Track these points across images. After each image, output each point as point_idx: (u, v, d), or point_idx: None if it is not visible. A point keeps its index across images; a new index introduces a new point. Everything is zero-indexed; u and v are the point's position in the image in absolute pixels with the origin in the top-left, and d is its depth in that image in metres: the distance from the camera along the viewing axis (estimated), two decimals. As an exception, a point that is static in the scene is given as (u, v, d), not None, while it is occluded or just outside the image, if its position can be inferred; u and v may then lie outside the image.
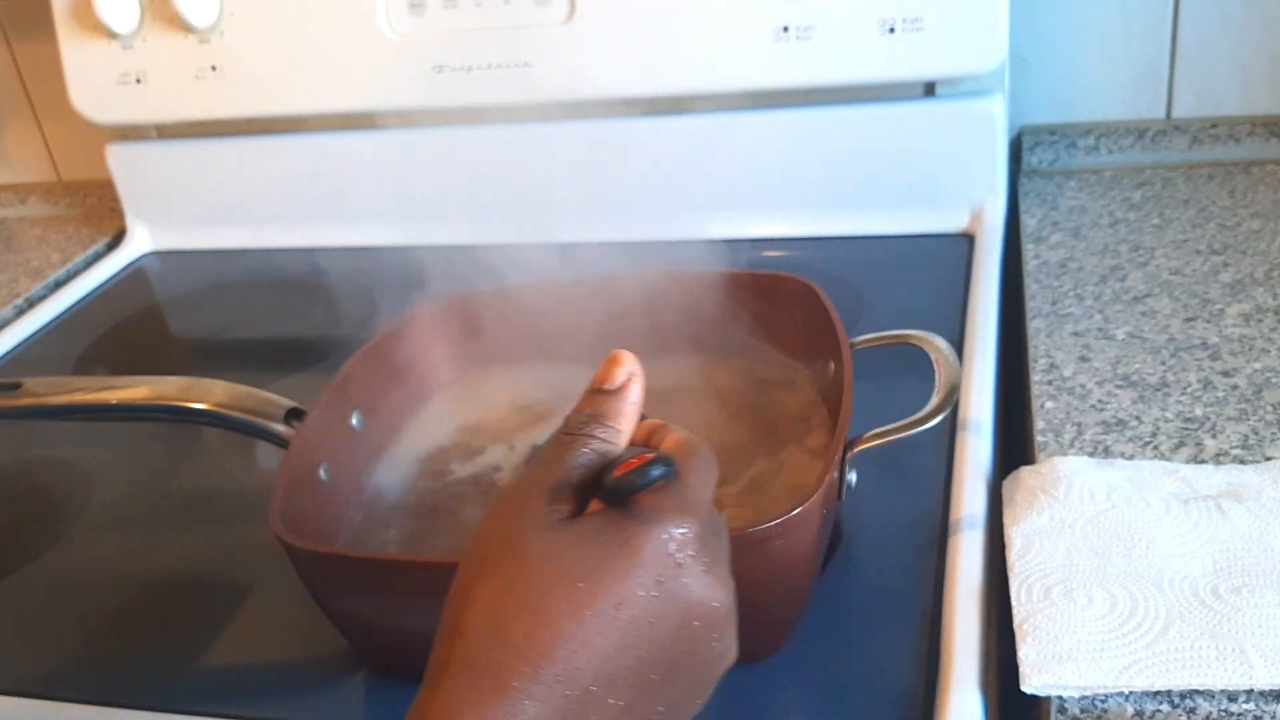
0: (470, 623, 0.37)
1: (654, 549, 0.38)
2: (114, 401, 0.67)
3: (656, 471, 0.39)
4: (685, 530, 0.38)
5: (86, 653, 0.63)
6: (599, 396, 0.43)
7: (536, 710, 0.35)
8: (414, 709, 0.37)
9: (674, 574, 0.38)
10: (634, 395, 0.43)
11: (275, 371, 0.85)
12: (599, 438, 0.41)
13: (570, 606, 0.36)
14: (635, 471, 0.39)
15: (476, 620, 0.37)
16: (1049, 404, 0.68)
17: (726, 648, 0.40)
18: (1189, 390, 0.67)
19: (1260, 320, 0.74)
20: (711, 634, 0.39)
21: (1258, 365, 0.69)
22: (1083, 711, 0.49)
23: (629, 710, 0.37)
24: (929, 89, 0.91)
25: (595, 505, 0.40)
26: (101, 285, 1.06)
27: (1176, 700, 0.48)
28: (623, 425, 0.42)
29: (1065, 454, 0.63)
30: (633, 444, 0.43)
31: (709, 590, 0.39)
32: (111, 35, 0.99)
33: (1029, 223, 0.91)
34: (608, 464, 0.40)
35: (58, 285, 1.08)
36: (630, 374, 0.43)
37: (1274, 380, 0.67)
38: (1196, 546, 0.55)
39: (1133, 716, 0.48)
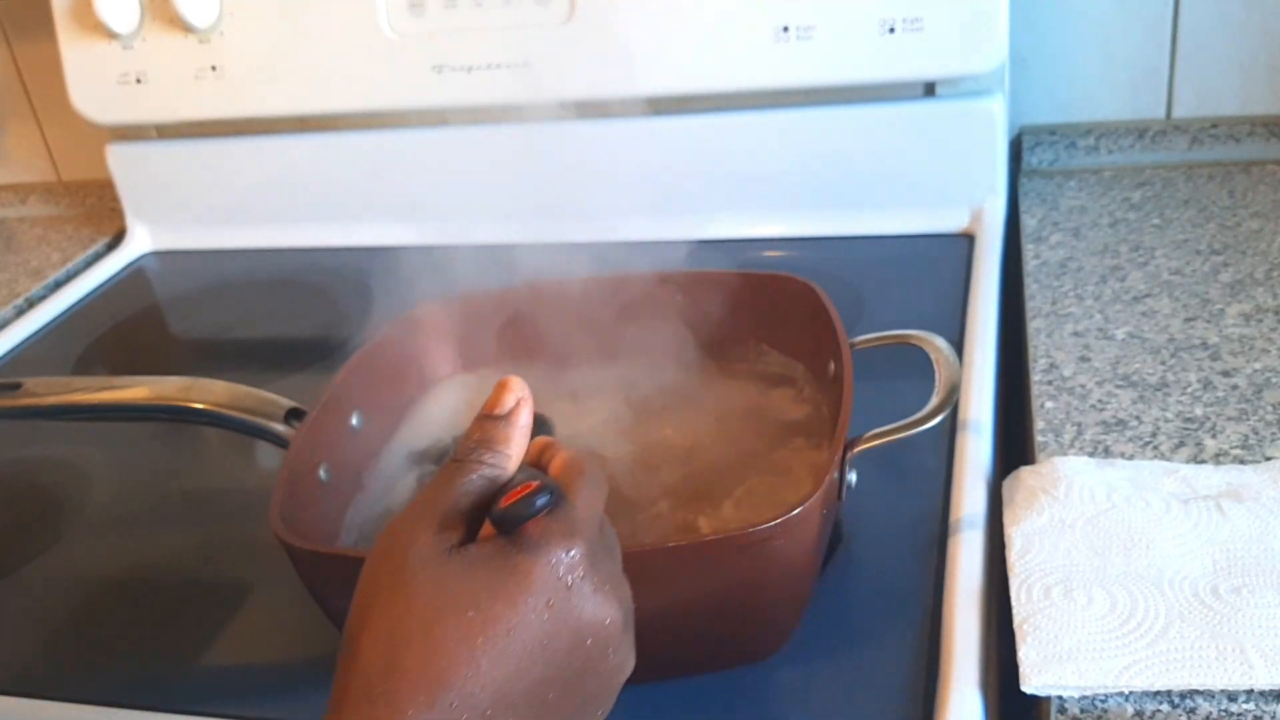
0: (365, 652, 0.37)
1: (542, 574, 0.39)
2: (114, 401, 0.67)
3: (541, 500, 0.40)
4: (573, 553, 0.39)
5: (86, 653, 0.63)
6: (488, 423, 0.43)
7: None
8: None
9: (564, 597, 0.39)
10: (523, 419, 0.44)
11: (275, 371, 0.85)
12: (487, 463, 0.42)
13: (462, 634, 0.37)
14: (520, 502, 0.40)
15: (371, 649, 0.37)
16: (1049, 404, 0.68)
17: (623, 659, 0.42)
18: (1189, 390, 0.67)
19: (1260, 320, 0.73)
20: (607, 649, 0.40)
21: (1258, 365, 0.69)
22: (1083, 711, 0.49)
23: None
24: (929, 89, 0.91)
25: (488, 529, 0.41)
26: (101, 285, 1.06)
27: (1176, 700, 0.48)
28: (511, 450, 0.43)
29: (1065, 454, 0.63)
30: (524, 465, 0.44)
31: (600, 609, 0.40)
32: (111, 35, 0.99)
33: (1029, 223, 0.91)
34: (497, 490, 0.41)
35: (58, 285, 1.08)
36: (519, 399, 0.44)
37: (1274, 380, 0.67)
38: (1196, 546, 0.55)
39: (1133, 716, 0.48)
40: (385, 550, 0.40)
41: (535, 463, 0.45)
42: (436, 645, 0.37)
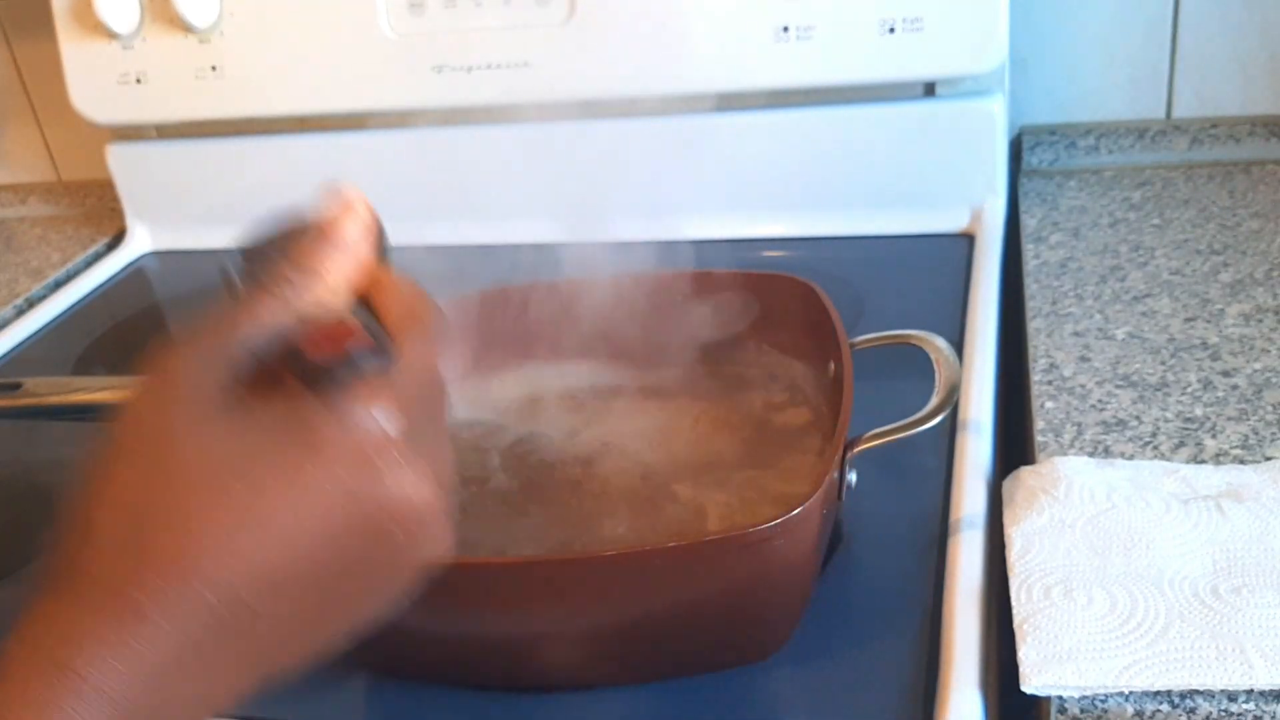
0: (100, 526, 0.30)
1: (345, 450, 0.31)
2: (114, 401, 0.67)
3: (368, 360, 0.31)
4: (389, 428, 0.32)
5: (86, 653, 0.62)
6: (304, 237, 0.35)
7: (177, 632, 0.29)
8: (25, 625, 0.29)
9: (370, 481, 0.31)
10: (349, 236, 0.35)
11: (275, 371, 0.85)
12: (295, 291, 0.33)
13: (223, 513, 0.30)
14: (342, 358, 0.31)
15: (107, 524, 0.30)
16: (1049, 404, 0.68)
17: (434, 541, 0.34)
18: (1189, 390, 0.67)
19: (1260, 320, 0.73)
20: (417, 540, 0.33)
21: (1258, 365, 0.69)
22: (1083, 711, 0.49)
23: (298, 617, 0.32)
24: (929, 89, 0.91)
25: (286, 379, 0.32)
26: (101, 285, 1.06)
27: (1176, 700, 0.48)
28: (330, 277, 0.34)
29: (1065, 454, 0.63)
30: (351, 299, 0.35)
31: (415, 495, 0.33)
32: (111, 35, 0.99)
33: (1029, 223, 0.91)
34: (306, 329, 0.32)
35: (58, 285, 1.08)
36: (346, 204, 0.35)
37: (1274, 380, 0.67)
38: (1196, 546, 0.55)
39: (1133, 716, 0.48)
40: (143, 397, 0.32)
41: (363, 297, 0.36)
42: (188, 525, 0.30)
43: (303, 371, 0.31)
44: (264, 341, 0.32)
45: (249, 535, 0.30)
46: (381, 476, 0.32)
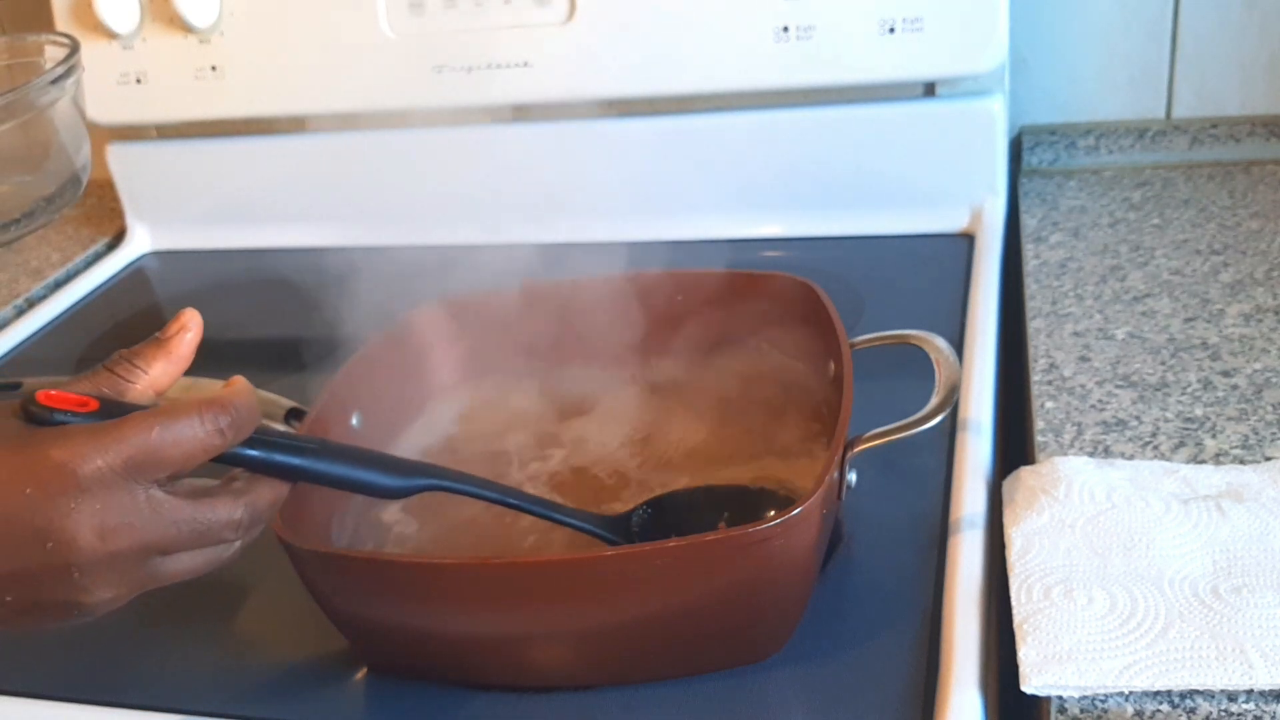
0: None
1: (31, 464, 0.41)
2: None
3: (61, 416, 0.43)
4: (72, 467, 0.41)
5: (87, 653, 0.62)
6: (148, 342, 0.48)
7: None
8: None
9: (41, 495, 0.41)
10: (180, 350, 0.48)
11: (275, 371, 0.85)
12: (119, 373, 0.46)
13: None
14: (47, 408, 0.43)
15: None
16: (1049, 404, 0.68)
17: (88, 588, 0.43)
18: (1189, 390, 0.67)
19: (1260, 320, 0.73)
20: (69, 566, 0.42)
21: (1258, 365, 0.69)
22: (1083, 711, 0.49)
23: None
24: (929, 89, 0.91)
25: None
26: (101, 285, 1.06)
27: (1176, 700, 0.48)
28: (152, 370, 0.47)
29: (1065, 454, 0.63)
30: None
31: (73, 526, 0.41)
32: (111, 35, 0.99)
33: (1029, 223, 0.91)
34: (52, 388, 0.44)
35: (58, 285, 1.08)
36: (181, 327, 0.48)
37: (1274, 380, 0.67)
38: (1196, 546, 0.55)
39: (1133, 716, 0.48)
40: None
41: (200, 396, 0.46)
42: None
43: (23, 408, 0.44)
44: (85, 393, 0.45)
45: None
46: (50, 497, 0.41)
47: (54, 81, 0.69)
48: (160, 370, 0.47)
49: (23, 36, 0.77)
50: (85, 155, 0.75)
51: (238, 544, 0.48)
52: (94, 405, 0.44)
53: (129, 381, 0.46)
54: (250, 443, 0.47)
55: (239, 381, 0.47)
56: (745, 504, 0.60)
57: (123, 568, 0.43)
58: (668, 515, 0.60)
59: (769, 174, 0.95)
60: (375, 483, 0.51)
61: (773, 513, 0.54)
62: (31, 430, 0.43)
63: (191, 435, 0.44)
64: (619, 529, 0.59)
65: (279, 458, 0.48)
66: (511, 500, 0.56)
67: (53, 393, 0.44)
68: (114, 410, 0.44)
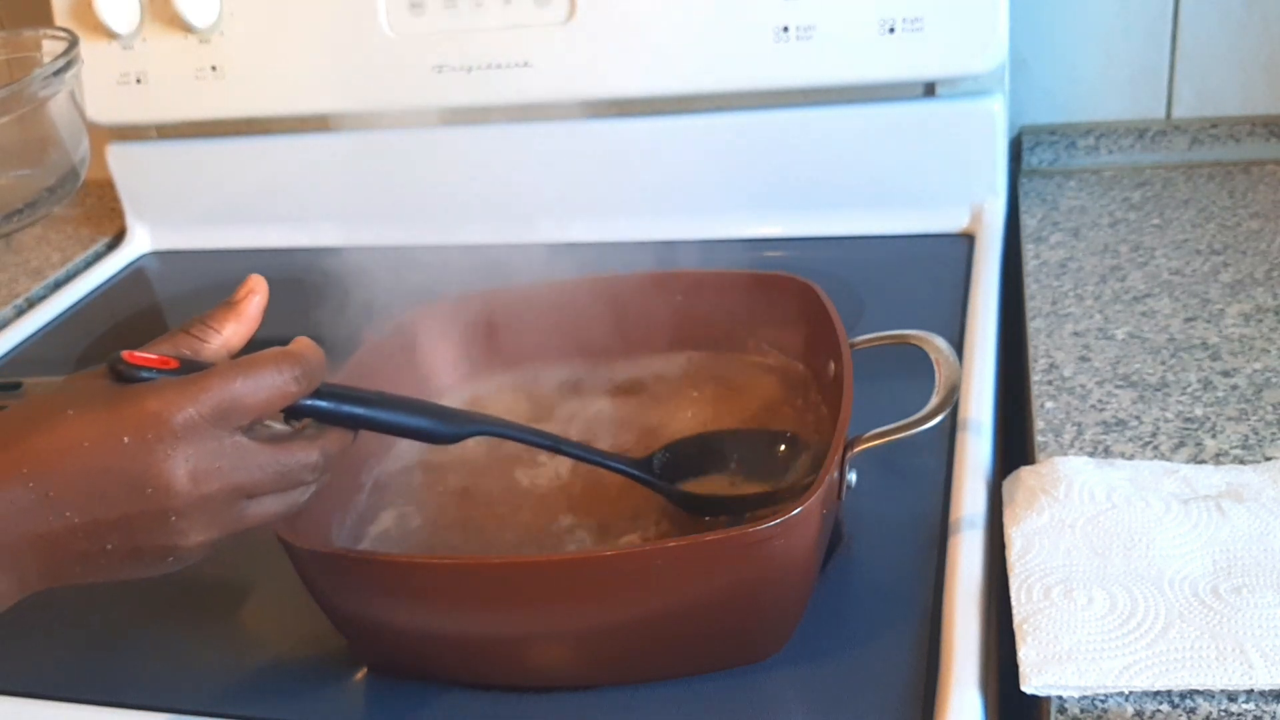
0: None
1: (128, 416, 0.45)
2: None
3: (145, 373, 0.46)
4: (164, 415, 0.45)
5: (86, 653, 0.63)
6: (218, 306, 0.51)
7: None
8: None
9: (139, 443, 0.44)
10: (249, 310, 0.52)
11: (275, 371, 0.85)
12: (194, 334, 0.50)
13: (48, 436, 0.44)
14: (134, 365, 0.47)
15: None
16: (1049, 404, 0.68)
17: (184, 533, 0.46)
18: (1189, 390, 0.67)
19: (1260, 320, 0.74)
20: (167, 511, 0.45)
21: (1258, 365, 0.69)
22: (1083, 711, 0.49)
23: (83, 533, 0.45)
24: (929, 89, 0.91)
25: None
26: (101, 285, 1.06)
27: (1176, 700, 0.48)
28: (224, 330, 0.50)
29: (1065, 454, 0.63)
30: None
31: (169, 471, 0.45)
32: (111, 35, 0.99)
33: (1029, 223, 0.91)
34: (136, 351, 0.48)
35: (58, 285, 1.08)
36: (249, 291, 0.52)
37: (1274, 380, 0.67)
38: (1196, 546, 0.55)
39: (1133, 716, 0.48)
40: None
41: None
42: (28, 429, 0.45)
43: (110, 366, 0.47)
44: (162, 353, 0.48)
45: (58, 451, 0.44)
46: (148, 444, 0.45)
47: (53, 75, 0.69)
48: (232, 331, 0.51)
49: (20, 31, 0.77)
50: (84, 149, 0.75)
51: (311, 488, 0.51)
52: (175, 364, 0.47)
53: (204, 342, 0.49)
54: (319, 395, 0.50)
55: (305, 339, 0.51)
56: (758, 447, 0.63)
57: (214, 510, 0.46)
58: (684, 459, 0.63)
59: (769, 174, 0.95)
60: (431, 429, 0.54)
61: (773, 512, 0.54)
62: (122, 387, 0.46)
63: (270, 384, 0.47)
64: (646, 471, 0.62)
65: (346, 408, 0.51)
66: (547, 442, 0.60)
67: (137, 354, 0.47)
68: (193, 368, 0.47)
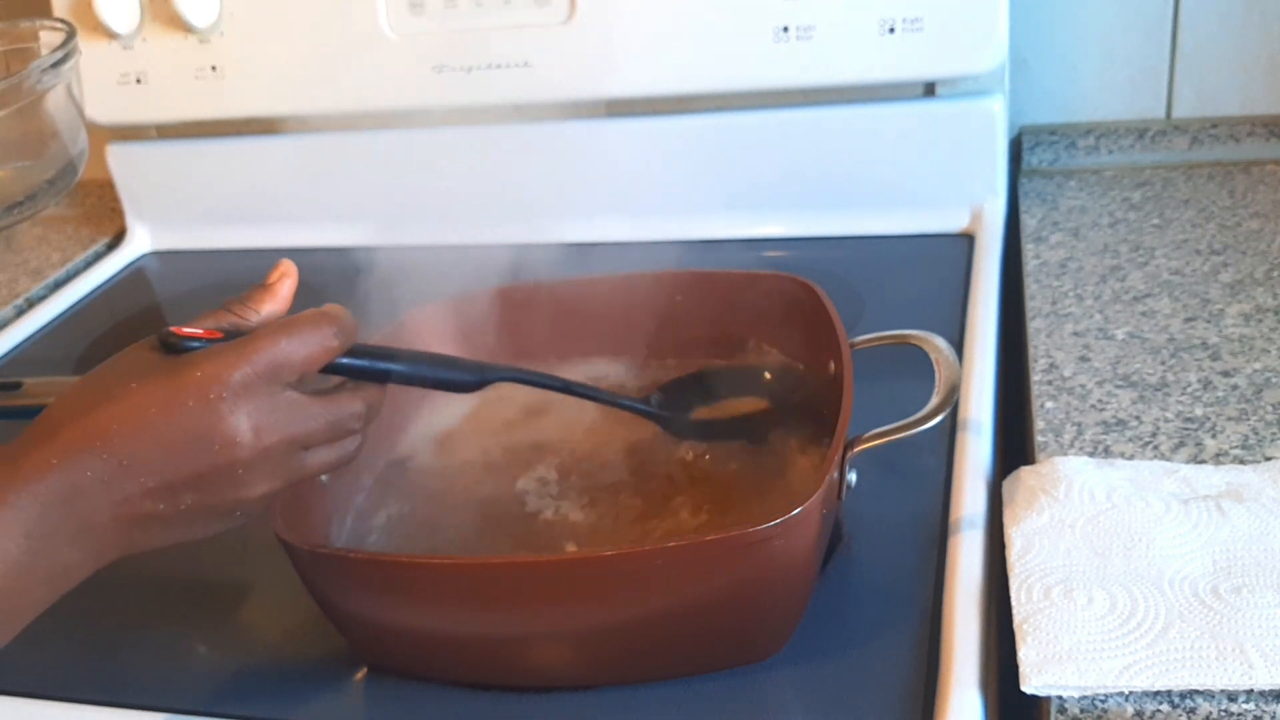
0: (51, 410, 0.49)
1: (190, 380, 0.48)
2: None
3: (194, 344, 0.50)
4: (224, 375, 0.48)
5: (87, 653, 0.63)
6: (254, 287, 0.54)
7: (61, 483, 0.46)
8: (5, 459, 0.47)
9: (204, 404, 0.48)
10: (282, 291, 0.54)
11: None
12: (234, 312, 0.53)
13: (116, 405, 0.47)
14: (183, 336, 0.50)
15: (55, 408, 0.49)
16: (1049, 404, 0.68)
17: (251, 484, 0.49)
18: (1189, 390, 0.67)
19: (1260, 320, 0.74)
20: (234, 465, 0.49)
21: (1258, 365, 0.69)
22: (1083, 711, 0.49)
23: (155, 494, 0.48)
24: (929, 89, 0.91)
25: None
26: (101, 285, 1.06)
27: (1176, 700, 0.48)
28: (262, 309, 0.53)
29: (1065, 454, 0.63)
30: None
31: (233, 427, 0.48)
32: (111, 35, 0.99)
33: (1029, 223, 0.91)
34: (185, 325, 0.51)
35: (58, 285, 1.08)
36: (283, 274, 0.55)
37: (1274, 380, 0.67)
38: (1196, 546, 0.55)
39: (1133, 716, 0.48)
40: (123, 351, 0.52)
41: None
42: (95, 403, 0.48)
43: (162, 340, 0.51)
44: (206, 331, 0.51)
45: (126, 417, 0.47)
46: (211, 404, 0.48)
47: (51, 68, 0.68)
48: (269, 310, 0.53)
49: (17, 22, 0.76)
50: (83, 141, 0.75)
51: (360, 438, 0.54)
52: (219, 335, 0.51)
53: (243, 319, 0.52)
54: (353, 353, 0.53)
55: (334, 304, 0.53)
56: (747, 378, 0.69)
57: (276, 461, 0.50)
58: (678, 396, 0.69)
59: (769, 174, 0.95)
60: (455, 379, 0.59)
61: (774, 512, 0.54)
62: (176, 357, 0.49)
63: (313, 340, 0.50)
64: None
65: (381, 364, 0.55)
66: (557, 384, 0.64)
67: (184, 328, 0.50)
68: (237, 336, 0.50)
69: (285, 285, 0.55)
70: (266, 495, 0.50)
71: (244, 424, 0.48)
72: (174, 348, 0.50)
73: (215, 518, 0.50)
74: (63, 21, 0.73)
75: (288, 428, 0.50)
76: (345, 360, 0.53)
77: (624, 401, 0.67)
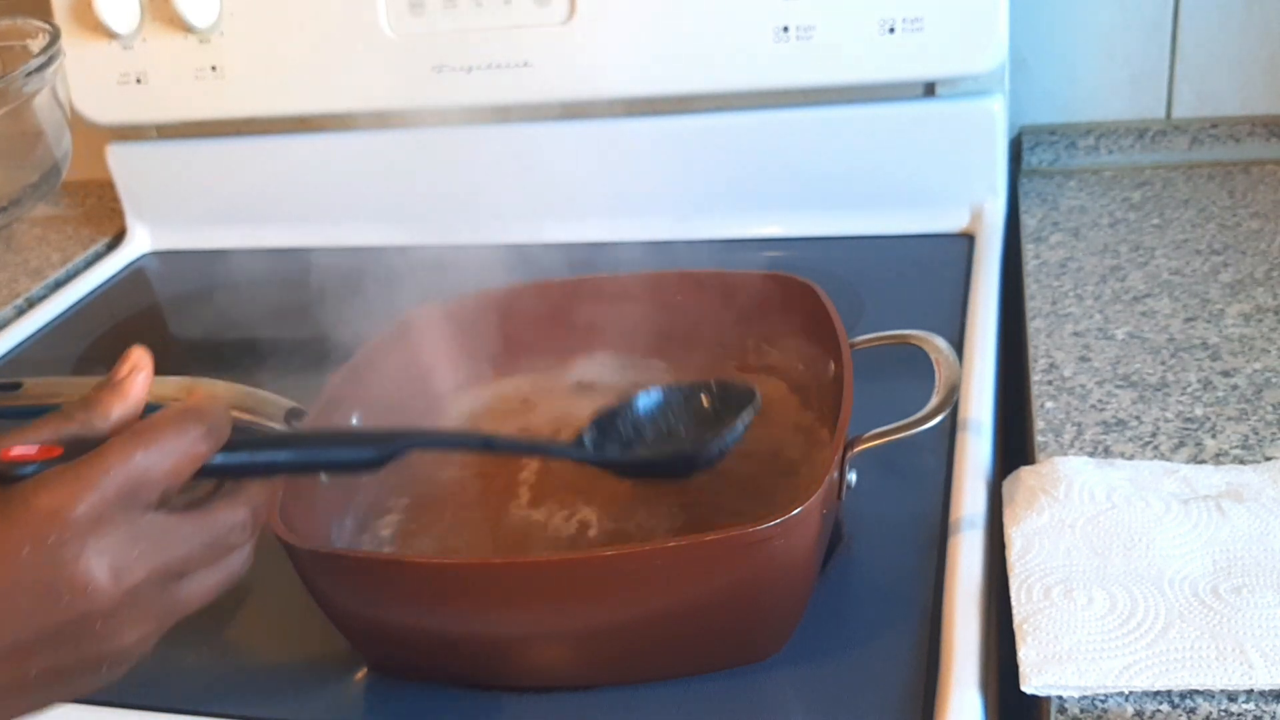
0: None
1: (24, 520, 0.39)
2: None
3: (27, 469, 0.41)
4: (64, 510, 0.39)
5: (86, 653, 0.62)
6: (100, 387, 0.45)
7: None
8: None
9: (43, 549, 0.39)
10: (133, 391, 0.45)
11: (275, 371, 0.85)
12: (78, 420, 0.43)
13: None
14: (11, 459, 0.41)
15: None
16: (1049, 404, 0.68)
17: (115, 636, 0.41)
18: (1189, 390, 0.67)
19: (1260, 320, 0.74)
20: (92, 617, 0.40)
21: (1258, 365, 0.69)
22: (1083, 711, 0.49)
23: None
24: (929, 89, 0.91)
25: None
26: (101, 285, 1.06)
27: (1176, 700, 0.48)
28: (111, 413, 0.44)
29: (1065, 454, 0.63)
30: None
31: (84, 571, 0.40)
32: (111, 35, 0.99)
33: (1029, 223, 0.91)
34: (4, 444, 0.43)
35: (58, 285, 1.08)
36: (133, 367, 0.46)
37: (1274, 380, 0.67)
38: (1196, 546, 0.55)
39: (1133, 716, 0.48)
40: None
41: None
42: None
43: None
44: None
45: None
46: (53, 548, 0.39)
47: (36, 71, 0.67)
48: (119, 414, 0.45)
49: None
50: (66, 144, 0.73)
51: (248, 550, 0.46)
52: (58, 451, 0.42)
53: (87, 428, 0.44)
54: (229, 448, 0.45)
55: (200, 393, 0.46)
56: (680, 402, 0.63)
57: (144, 602, 0.42)
58: (612, 430, 0.61)
59: (769, 174, 0.95)
60: (356, 459, 0.50)
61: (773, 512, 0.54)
62: (5, 490, 0.40)
63: (175, 448, 0.42)
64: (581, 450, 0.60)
65: (262, 456, 0.47)
66: (477, 443, 0.59)
67: (14, 449, 0.42)
68: (81, 450, 0.42)
69: (137, 381, 0.46)
70: (140, 643, 0.42)
71: (98, 567, 0.40)
72: (5, 477, 0.41)
73: (78, 679, 0.41)
74: (47, 23, 0.72)
75: (154, 560, 0.41)
76: (220, 460, 0.44)
77: (552, 449, 0.61)
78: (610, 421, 0.61)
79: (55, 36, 0.69)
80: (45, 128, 0.70)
